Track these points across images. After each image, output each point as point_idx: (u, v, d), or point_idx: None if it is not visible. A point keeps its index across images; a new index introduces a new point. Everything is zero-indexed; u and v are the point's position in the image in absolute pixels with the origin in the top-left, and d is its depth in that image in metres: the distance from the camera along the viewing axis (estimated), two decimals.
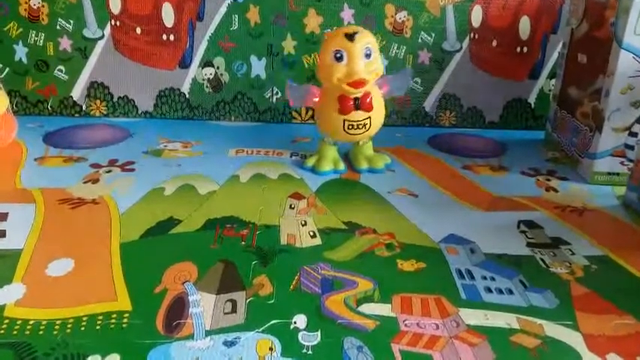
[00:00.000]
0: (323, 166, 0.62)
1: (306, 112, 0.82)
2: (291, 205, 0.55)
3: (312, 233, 0.50)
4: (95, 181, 0.59)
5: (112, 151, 0.67)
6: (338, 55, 0.57)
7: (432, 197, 0.59)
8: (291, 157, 0.68)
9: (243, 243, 0.48)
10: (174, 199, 0.55)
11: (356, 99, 0.59)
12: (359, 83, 0.57)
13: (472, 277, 0.45)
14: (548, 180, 0.64)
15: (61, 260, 0.44)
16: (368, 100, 0.59)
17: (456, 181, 0.63)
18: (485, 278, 0.45)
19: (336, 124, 0.60)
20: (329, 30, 0.77)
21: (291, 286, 0.42)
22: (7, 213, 0.51)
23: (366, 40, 0.57)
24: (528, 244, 0.50)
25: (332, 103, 0.59)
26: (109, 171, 0.61)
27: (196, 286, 0.41)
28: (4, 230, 0.48)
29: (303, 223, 0.52)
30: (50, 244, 0.47)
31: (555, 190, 0.62)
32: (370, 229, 0.51)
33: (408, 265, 0.46)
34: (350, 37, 0.57)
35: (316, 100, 0.62)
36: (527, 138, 0.79)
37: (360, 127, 0.60)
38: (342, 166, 0.63)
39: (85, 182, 0.58)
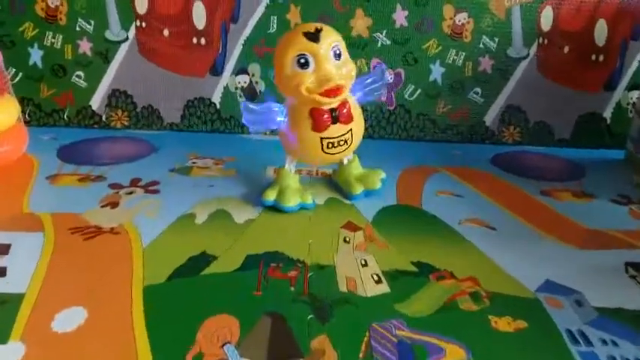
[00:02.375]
0: (288, 199, 0.50)
1: None
2: (345, 238, 0.46)
3: (376, 277, 0.41)
4: (114, 204, 0.50)
5: (134, 168, 0.59)
6: (302, 61, 0.46)
7: (513, 230, 0.49)
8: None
9: (292, 288, 0.39)
10: (207, 229, 0.47)
11: (332, 110, 0.48)
12: (334, 91, 0.46)
13: (588, 342, 0.35)
14: None
15: (71, 310, 0.36)
16: (346, 109, 0.48)
17: (537, 209, 0.54)
18: (605, 342, 0.35)
19: (311, 146, 0.49)
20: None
21: (361, 353, 0.33)
22: (10, 245, 0.43)
23: (332, 37, 0.47)
24: None
25: (302, 120, 0.48)
26: (131, 192, 0.53)
27: (239, 350, 0.32)
28: (5, 267, 0.40)
29: (363, 262, 0.43)
30: (59, 287, 0.38)
31: None
32: (447, 272, 0.42)
33: (503, 324, 0.36)
34: (312, 36, 0.46)
35: (281, 120, 0.50)
36: (605, 158, 0.69)
37: (342, 143, 0.49)
38: (309, 199, 0.51)
39: (102, 206, 0.50)
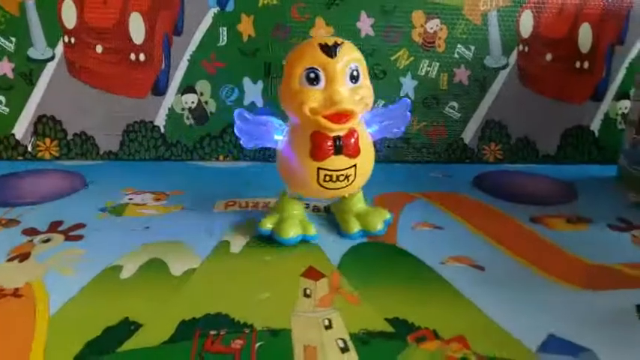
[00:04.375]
0: (286, 230, 0.44)
1: None
2: (305, 291, 0.38)
3: (342, 343, 0.33)
4: (25, 256, 0.41)
5: (57, 208, 0.50)
6: (312, 76, 0.39)
7: (505, 268, 0.42)
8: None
9: None
10: (133, 286, 0.38)
11: (337, 139, 0.41)
12: (342, 116, 0.40)
13: None
14: None
15: None
16: (353, 140, 0.42)
17: (528, 241, 0.46)
18: None
19: (307, 175, 0.42)
20: None
21: None
22: None
23: (352, 55, 0.40)
24: None
25: (302, 143, 0.42)
26: (47, 240, 0.44)
27: None
28: None
29: (326, 323, 0.34)
30: None
31: None
32: (429, 330, 0.34)
33: None
34: (329, 49, 0.40)
35: (279, 138, 0.44)
36: (595, 175, 0.63)
37: (341, 179, 0.42)
38: (312, 230, 0.45)
39: (9, 259, 0.41)
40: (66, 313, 0.35)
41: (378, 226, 0.46)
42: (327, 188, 0.43)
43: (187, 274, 0.39)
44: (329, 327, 0.34)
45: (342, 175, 0.42)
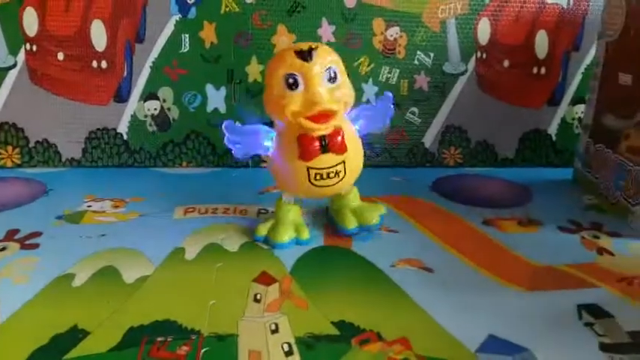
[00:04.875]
0: (280, 235, 0.46)
1: None
2: (256, 296, 0.39)
3: (286, 347, 0.33)
4: None
5: (14, 216, 0.50)
6: (291, 81, 0.41)
7: (453, 272, 0.43)
8: (258, 215, 0.52)
9: None
10: (84, 294, 0.38)
11: (322, 138, 0.43)
12: (323, 116, 0.42)
13: None
14: (597, 237, 0.49)
15: None
16: (339, 138, 0.43)
17: (479, 243, 0.48)
18: None
19: (298, 176, 0.44)
20: None
21: None
22: None
23: (328, 57, 0.42)
24: (603, 347, 0.34)
25: (290, 146, 0.43)
26: (3, 249, 0.44)
27: None
28: None
29: (273, 328, 0.35)
30: None
31: (611, 253, 0.46)
32: (373, 333, 0.35)
33: None
34: (304, 55, 0.41)
35: (268, 144, 0.46)
36: (551, 178, 0.64)
37: (332, 175, 0.44)
38: (306, 234, 0.46)
39: None
40: (15, 322, 0.35)
41: (374, 220, 0.48)
42: (318, 186, 0.44)
43: (139, 282, 0.40)
44: (275, 331, 0.35)
45: (332, 171, 0.44)
